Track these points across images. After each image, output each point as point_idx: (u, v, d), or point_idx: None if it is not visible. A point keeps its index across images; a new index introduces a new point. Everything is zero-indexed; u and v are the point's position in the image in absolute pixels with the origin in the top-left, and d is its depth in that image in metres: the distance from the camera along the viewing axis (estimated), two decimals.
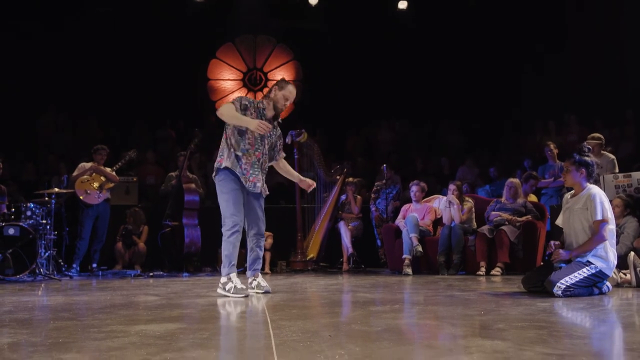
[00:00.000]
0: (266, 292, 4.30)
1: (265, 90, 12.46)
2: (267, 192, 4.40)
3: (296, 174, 4.68)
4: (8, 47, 10.19)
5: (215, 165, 4.29)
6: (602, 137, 6.95)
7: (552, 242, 4.22)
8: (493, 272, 6.24)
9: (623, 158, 7.64)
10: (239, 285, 4.06)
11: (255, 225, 4.32)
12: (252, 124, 3.99)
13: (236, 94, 12.53)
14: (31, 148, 10.15)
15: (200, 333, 2.49)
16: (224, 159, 4.21)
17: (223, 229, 4.14)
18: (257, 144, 4.25)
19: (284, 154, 4.58)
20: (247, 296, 4.02)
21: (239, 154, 4.19)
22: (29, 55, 10.37)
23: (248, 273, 4.42)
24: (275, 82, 4.44)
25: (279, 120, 4.44)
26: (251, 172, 4.20)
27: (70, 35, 10.70)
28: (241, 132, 4.19)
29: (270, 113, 4.31)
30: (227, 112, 4.08)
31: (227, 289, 4.07)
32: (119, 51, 10.87)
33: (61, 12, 10.60)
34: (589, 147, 4.29)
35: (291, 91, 4.31)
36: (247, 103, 4.24)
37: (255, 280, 4.38)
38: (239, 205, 4.16)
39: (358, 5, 11.22)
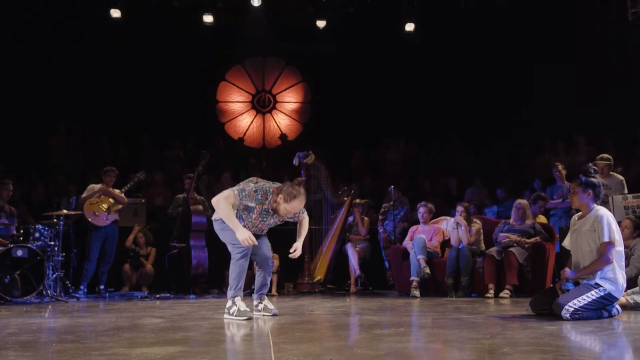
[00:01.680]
0: (274, 315, 4.28)
1: (274, 112, 12.64)
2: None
3: (302, 235, 4.40)
4: (19, 69, 10.33)
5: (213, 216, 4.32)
6: (610, 157, 6.89)
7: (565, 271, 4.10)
8: (502, 294, 6.17)
9: (633, 179, 7.56)
10: (243, 307, 4.05)
11: (261, 253, 4.34)
12: (241, 233, 3.95)
13: (245, 116, 12.62)
14: (41, 169, 10.23)
15: (201, 356, 2.47)
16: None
17: (233, 252, 4.13)
18: (259, 223, 4.24)
19: (305, 214, 4.42)
20: (250, 318, 4.00)
21: (242, 215, 4.19)
22: (39, 76, 10.49)
23: (254, 296, 4.42)
24: (287, 184, 4.14)
25: None
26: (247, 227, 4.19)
27: (81, 57, 10.84)
28: (249, 209, 4.13)
29: (272, 209, 4.18)
30: (223, 206, 4.00)
31: (231, 312, 4.06)
32: (129, 72, 10.98)
33: (72, 34, 10.75)
34: (595, 167, 4.26)
35: (296, 207, 4.11)
36: (251, 205, 4.11)
37: (262, 303, 4.38)
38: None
39: (366, 27, 11.31)
